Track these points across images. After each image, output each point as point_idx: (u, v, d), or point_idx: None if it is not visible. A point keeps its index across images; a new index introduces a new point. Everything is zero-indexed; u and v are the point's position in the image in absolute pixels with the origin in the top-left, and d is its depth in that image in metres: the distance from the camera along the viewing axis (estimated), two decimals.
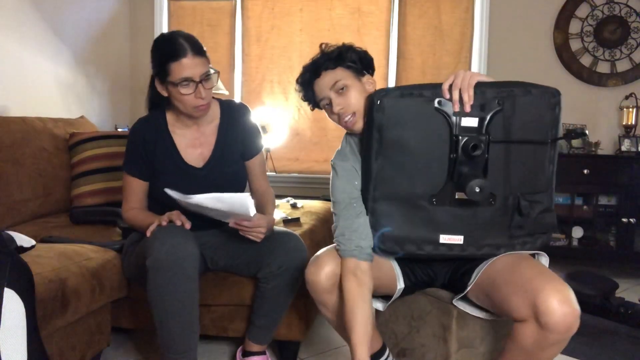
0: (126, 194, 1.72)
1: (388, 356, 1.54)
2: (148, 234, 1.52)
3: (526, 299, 1.16)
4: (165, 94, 1.61)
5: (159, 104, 1.69)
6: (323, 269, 1.36)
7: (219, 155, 1.72)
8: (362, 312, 1.31)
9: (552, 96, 1.26)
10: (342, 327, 1.39)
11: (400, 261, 1.49)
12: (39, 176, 2.26)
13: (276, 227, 1.77)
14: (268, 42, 3.79)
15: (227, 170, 1.74)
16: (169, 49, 1.53)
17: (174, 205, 1.59)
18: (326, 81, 1.42)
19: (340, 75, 1.41)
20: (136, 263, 1.62)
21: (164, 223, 1.53)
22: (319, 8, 3.72)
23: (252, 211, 1.46)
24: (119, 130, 3.27)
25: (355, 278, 1.33)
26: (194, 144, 1.71)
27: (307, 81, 1.46)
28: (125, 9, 3.82)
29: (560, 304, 1.12)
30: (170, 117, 1.70)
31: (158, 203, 1.69)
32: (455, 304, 1.44)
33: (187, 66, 1.51)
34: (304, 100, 1.50)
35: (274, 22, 3.78)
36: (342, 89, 1.41)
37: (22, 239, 1.52)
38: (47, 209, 2.30)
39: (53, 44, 3.04)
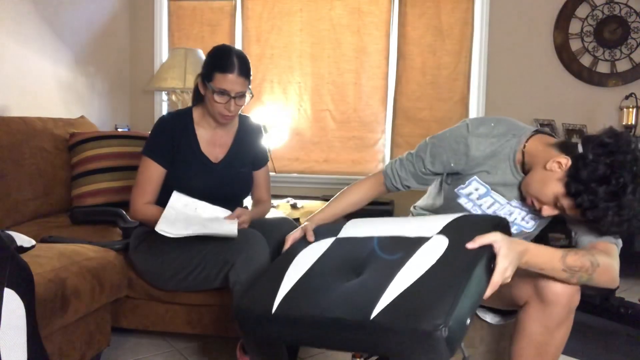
0: (141, 182, 1.75)
1: None
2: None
3: (528, 279, 1.21)
4: (203, 93, 1.77)
5: (200, 99, 1.83)
6: None
7: (233, 157, 1.85)
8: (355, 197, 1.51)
9: None
10: None
11: None
12: (39, 176, 2.26)
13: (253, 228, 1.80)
14: (268, 42, 3.79)
15: (240, 170, 1.86)
16: (221, 60, 1.68)
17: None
18: None
19: None
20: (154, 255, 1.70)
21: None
22: (319, 8, 3.72)
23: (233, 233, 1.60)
24: (119, 130, 3.25)
25: (375, 184, 1.53)
26: (213, 142, 1.83)
27: None
28: (125, 9, 3.81)
29: None
30: (196, 115, 1.83)
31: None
32: None
33: (229, 81, 1.67)
34: None
35: (274, 22, 3.78)
36: None
37: (22, 239, 1.52)
38: (47, 209, 2.30)
39: (53, 44, 3.04)
